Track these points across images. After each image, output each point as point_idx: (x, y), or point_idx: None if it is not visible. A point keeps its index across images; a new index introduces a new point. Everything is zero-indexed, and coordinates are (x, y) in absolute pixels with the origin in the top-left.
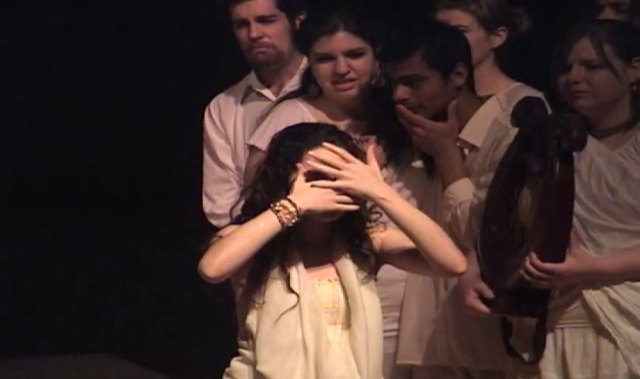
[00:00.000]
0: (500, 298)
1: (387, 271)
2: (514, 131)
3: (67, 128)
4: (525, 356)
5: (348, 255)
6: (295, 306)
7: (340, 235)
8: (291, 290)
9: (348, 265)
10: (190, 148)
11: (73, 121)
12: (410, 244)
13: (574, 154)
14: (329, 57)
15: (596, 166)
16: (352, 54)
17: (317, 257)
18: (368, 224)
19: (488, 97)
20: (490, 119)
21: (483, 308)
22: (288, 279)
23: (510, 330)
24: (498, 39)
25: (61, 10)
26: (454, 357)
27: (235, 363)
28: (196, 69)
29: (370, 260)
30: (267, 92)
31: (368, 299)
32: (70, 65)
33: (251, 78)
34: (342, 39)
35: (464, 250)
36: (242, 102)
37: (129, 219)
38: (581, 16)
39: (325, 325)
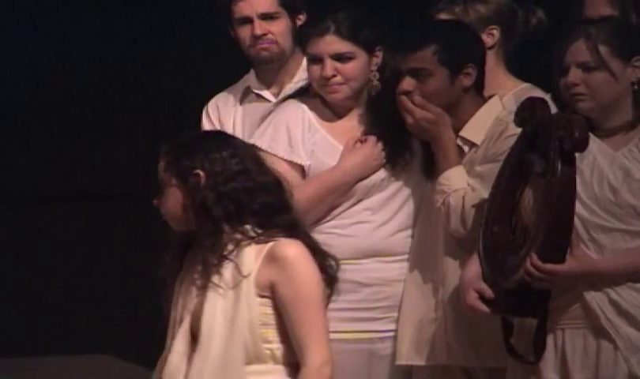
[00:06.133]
0: (501, 298)
1: (387, 271)
2: (514, 126)
3: (66, 127)
4: (526, 356)
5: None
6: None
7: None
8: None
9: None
10: None
11: (72, 121)
12: (295, 320)
13: (577, 154)
14: (318, 58)
15: (599, 166)
16: (340, 57)
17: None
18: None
19: (491, 97)
20: (491, 118)
21: (484, 308)
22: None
23: (511, 330)
24: (490, 39)
25: (59, 9)
26: (454, 356)
27: None
28: (195, 69)
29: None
30: (266, 94)
31: (219, 313)
32: (69, 64)
33: (250, 79)
34: (330, 42)
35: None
36: (241, 103)
37: (130, 219)
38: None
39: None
